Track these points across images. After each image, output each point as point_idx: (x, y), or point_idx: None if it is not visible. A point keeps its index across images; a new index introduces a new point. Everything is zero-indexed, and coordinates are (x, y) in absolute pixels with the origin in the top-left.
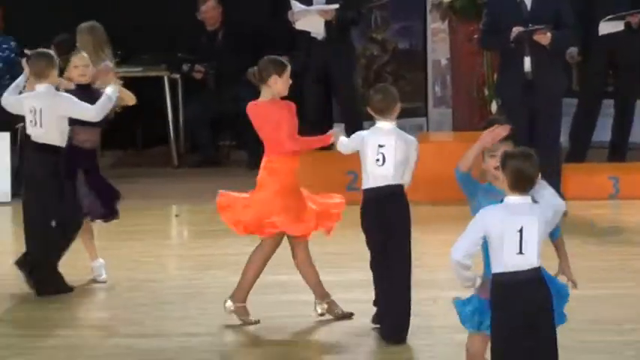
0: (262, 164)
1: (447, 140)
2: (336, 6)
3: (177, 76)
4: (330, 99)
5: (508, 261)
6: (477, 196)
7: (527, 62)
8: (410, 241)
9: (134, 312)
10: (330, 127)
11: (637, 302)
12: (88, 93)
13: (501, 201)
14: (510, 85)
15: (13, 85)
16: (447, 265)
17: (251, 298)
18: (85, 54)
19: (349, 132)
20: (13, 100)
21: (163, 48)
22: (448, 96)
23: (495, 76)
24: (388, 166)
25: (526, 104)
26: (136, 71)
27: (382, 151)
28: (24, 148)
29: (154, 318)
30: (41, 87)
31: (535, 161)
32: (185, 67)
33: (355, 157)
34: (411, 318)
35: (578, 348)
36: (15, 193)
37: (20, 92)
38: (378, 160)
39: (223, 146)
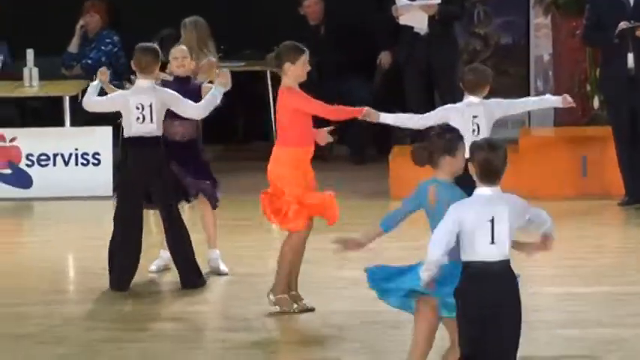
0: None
1: (548, 135)
2: (439, 0)
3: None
4: (433, 93)
5: (480, 251)
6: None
7: (631, 58)
8: None
9: (233, 306)
10: None
11: None
12: (185, 85)
13: (470, 194)
14: (613, 81)
15: (91, 87)
16: (548, 260)
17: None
18: (183, 46)
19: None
20: (100, 100)
21: (266, 42)
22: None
23: (598, 71)
24: (483, 135)
25: (629, 100)
26: (238, 66)
27: (476, 121)
28: (130, 147)
29: (253, 313)
30: (145, 82)
31: (503, 152)
32: None
33: None
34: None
35: None
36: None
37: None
38: (474, 130)
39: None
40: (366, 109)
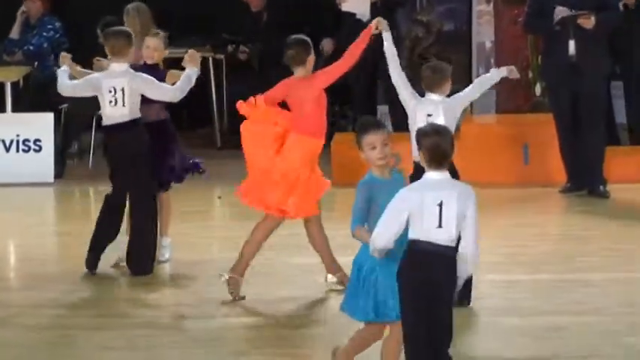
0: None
1: (490, 122)
2: None
3: (222, 57)
4: (375, 80)
5: (427, 233)
6: (374, 197)
7: (572, 45)
8: None
9: (176, 293)
10: (375, 108)
11: None
12: (153, 72)
13: (414, 179)
14: (555, 68)
15: (61, 72)
16: (486, 247)
17: None
18: (159, 38)
19: (394, 112)
20: (76, 83)
21: (208, 29)
22: None
23: (539, 59)
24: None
25: (570, 87)
26: (180, 52)
27: (430, 119)
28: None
29: (197, 300)
30: (119, 66)
31: (450, 136)
32: (230, 48)
33: None
34: None
35: (622, 331)
36: (58, 175)
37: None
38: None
39: None
40: (377, 19)
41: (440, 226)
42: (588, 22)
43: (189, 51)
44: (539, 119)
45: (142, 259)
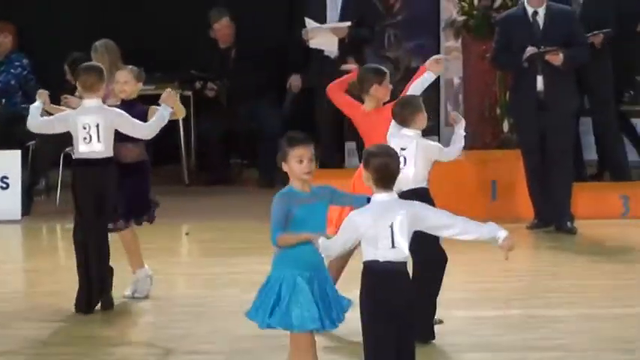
0: None
1: (458, 159)
2: (349, 23)
3: (190, 93)
4: (343, 117)
5: (382, 254)
6: (292, 209)
7: (540, 81)
8: None
9: (143, 330)
10: (342, 146)
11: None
12: (131, 108)
13: (368, 200)
14: (522, 104)
15: (33, 108)
16: (456, 283)
17: None
18: (128, 71)
19: (360, 151)
20: (49, 120)
21: (176, 66)
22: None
23: (507, 95)
24: (409, 168)
25: (538, 123)
26: (148, 89)
27: (404, 154)
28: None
29: (163, 336)
30: (91, 102)
31: (398, 157)
32: (198, 85)
33: None
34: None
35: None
36: (25, 212)
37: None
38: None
39: (235, 164)
40: None
41: (393, 246)
42: (556, 58)
43: (167, 90)
44: (507, 155)
45: (96, 293)
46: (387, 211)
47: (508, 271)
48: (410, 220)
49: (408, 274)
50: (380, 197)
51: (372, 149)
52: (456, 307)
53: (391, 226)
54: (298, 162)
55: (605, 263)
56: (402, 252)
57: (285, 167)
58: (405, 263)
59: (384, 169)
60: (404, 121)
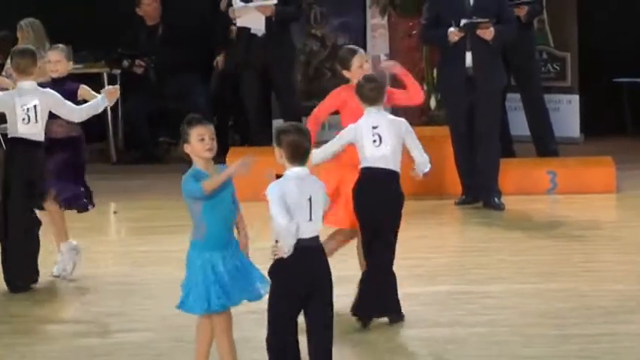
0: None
1: None
2: (275, 1)
3: (118, 72)
4: (270, 94)
5: (300, 228)
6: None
7: (469, 58)
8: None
9: (71, 308)
10: (270, 122)
11: (575, 297)
12: (61, 87)
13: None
14: (451, 79)
15: None
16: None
17: None
18: (60, 50)
19: None
20: None
21: (104, 44)
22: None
23: (434, 71)
24: (386, 145)
25: (466, 99)
26: (76, 68)
27: (377, 131)
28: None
29: (91, 314)
30: (27, 84)
31: (309, 134)
32: (126, 63)
33: None
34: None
35: (519, 342)
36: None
37: None
38: (375, 140)
39: (163, 142)
40: None
41: (310, 219)
42: (488, 32)
43: (113, 88)
44: (435, 132)
45: (24, 276)
46: (305, 184)
47: (436, 247)
48: (324, 196)
49: (321, 249)
50: (297, 170)
51: (283, 127)
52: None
53: (310, 200)
54: (200, 140)
55: (533, 239)
56: (317, 226)
57: (187, 149)
58: (317, 238)
59: (297, 146)
60: (373, 99)
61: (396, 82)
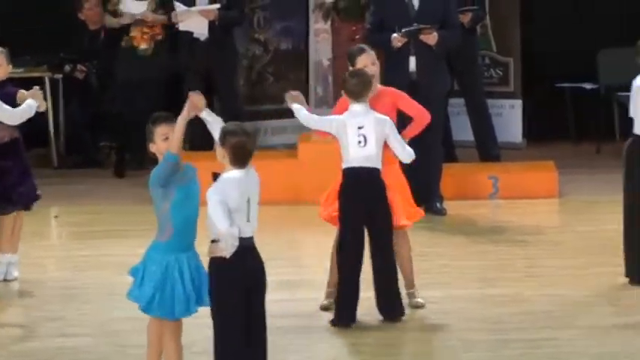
0: None
1: (326, 141)
2: (218, 6)
3: (59, 77)
4: (212, 99)
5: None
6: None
7: (412, 62)
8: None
9: (14, 313)
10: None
11: (517, 302)
12: (5, 89)
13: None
14: (395, 84)
15: None
16: (324, 266)
17: None
18: (1, 54)
19: None
20: None
21: (46, 48)
22: (330, 96)
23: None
24: (371, 145)
25: None
26: (17, 72)
27: (362, 132)
28: None
29: (31, 319)
30: None
31: (255, 137)
32: (67, 68)
33: None
34: (293, 318)
35: (459, 347)
36: None
37: None
38: (360, 142)
39: (104, 147)
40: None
41: (248, 220)
42: (431, 37)
43: (35, 91)
44: None
45: None
46: (244, 186)
47: None
48: (258, 194)
49: (255, 248)
50: (236, 173)
51: (229, 128)
52: (323, 288)
53: (248, 201)
54: (164, 140)
55: (475, 244)
56: (253, 226)
57: (153, 148)
58: (252, 238)
59: (242, 148)
60: (358, 94)
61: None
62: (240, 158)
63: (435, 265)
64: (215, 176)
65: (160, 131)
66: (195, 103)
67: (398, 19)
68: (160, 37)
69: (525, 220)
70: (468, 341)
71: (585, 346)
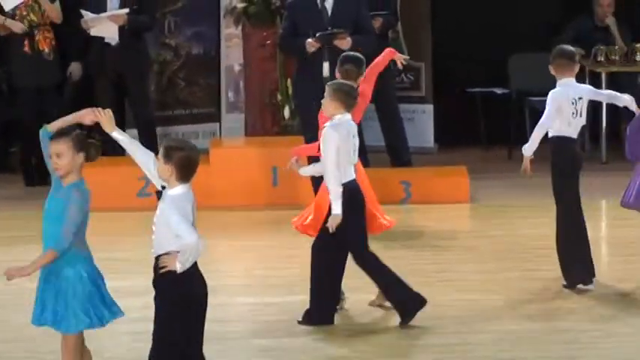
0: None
1: (239, 146)
2: (127, 11)
3: None
4: (124, 104)
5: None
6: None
7: (326, 67)
8: None
9: None
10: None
11: (429, 306)
12: None
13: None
14: (307, 89)
15: None
16: (238, 270)
17: None
18: None
19: (142, 137)
20: None
21: None
22: (241, 102)
23: (288, 81)
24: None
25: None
26: None
27: (354, 142)
28: None
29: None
30: None
31: (198, 150)
32: None
33: None
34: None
35: (371, 352)
36: None
37: None
38: (354, 151)
39: (14, 153)
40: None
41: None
42: (345, 42)
43: None
44: (289, 141)
45: None
46: (192, 199)
47: (291, 257)
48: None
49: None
50: (182, 189)
51: (172, 144)
52: (237, 293)
53: (193, 215)
54: (51, 157)
55: (387, 249)
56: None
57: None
58: None
59: (189, 163)
60: (352, 106)
61: None
62: (189, 172)
63: (347, 270)
64: (159, 194)
65: (50, 150)
66: (104, 123)
67: (311, 24)
68: (54, 42)
69: (437, 225)
70: (380, 346)
71: (497, 351)
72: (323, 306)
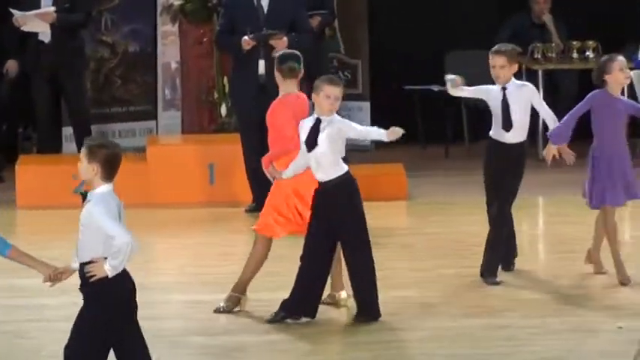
0: None
1: (176, 143)
2: (53, 9)
3: None
4: (59, 101)
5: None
6: None
7: (262, 65)
8: None
9: None
10: (60, 129)
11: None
12: None
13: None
14: (243, 87)
15: None
16: (172, 268)
17: None
18: None
19: (78, 134)
20: None
21: None
22: (178, 99)
23: (225, 79)
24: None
25: (259, 107)
26: None
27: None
28: None
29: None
30: None
31: (120, 149)
32: None
33: None
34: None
35: (307, 349)
36: None
37: None
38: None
39: None
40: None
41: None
42: (281, 42)
43: None
44: (225, 139)
45: None
46: (116, 198)
47: (226, 255)
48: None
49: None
50: (107, 187)
51: (95, 142)
52: (173, 291)
53: (120, 215)
54: None
55: None
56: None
57: None
58: None
59: (114, 161)
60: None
61: None
62: (113, 170)
63: (285, 267)
64: (84, 196)
65: None
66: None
67: (248, 21)
68: None
69: (374, 222)
70: (315, 344)
71: (434, 348)
72: (307, 298)
